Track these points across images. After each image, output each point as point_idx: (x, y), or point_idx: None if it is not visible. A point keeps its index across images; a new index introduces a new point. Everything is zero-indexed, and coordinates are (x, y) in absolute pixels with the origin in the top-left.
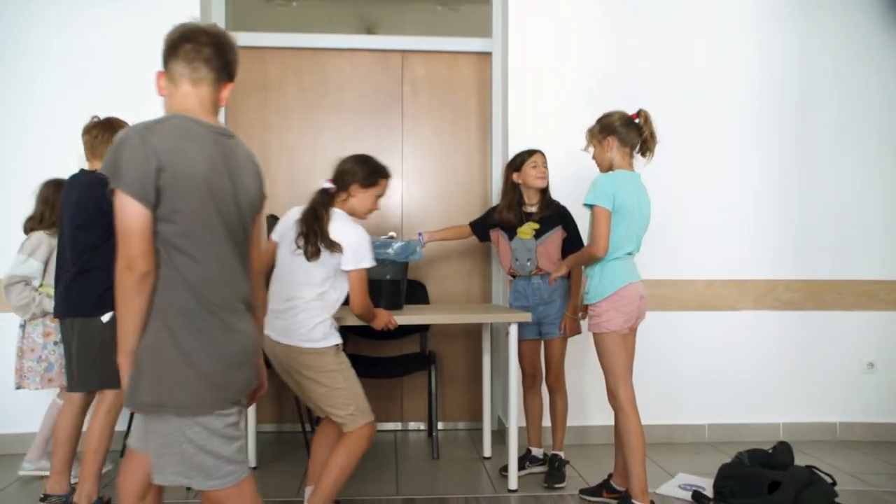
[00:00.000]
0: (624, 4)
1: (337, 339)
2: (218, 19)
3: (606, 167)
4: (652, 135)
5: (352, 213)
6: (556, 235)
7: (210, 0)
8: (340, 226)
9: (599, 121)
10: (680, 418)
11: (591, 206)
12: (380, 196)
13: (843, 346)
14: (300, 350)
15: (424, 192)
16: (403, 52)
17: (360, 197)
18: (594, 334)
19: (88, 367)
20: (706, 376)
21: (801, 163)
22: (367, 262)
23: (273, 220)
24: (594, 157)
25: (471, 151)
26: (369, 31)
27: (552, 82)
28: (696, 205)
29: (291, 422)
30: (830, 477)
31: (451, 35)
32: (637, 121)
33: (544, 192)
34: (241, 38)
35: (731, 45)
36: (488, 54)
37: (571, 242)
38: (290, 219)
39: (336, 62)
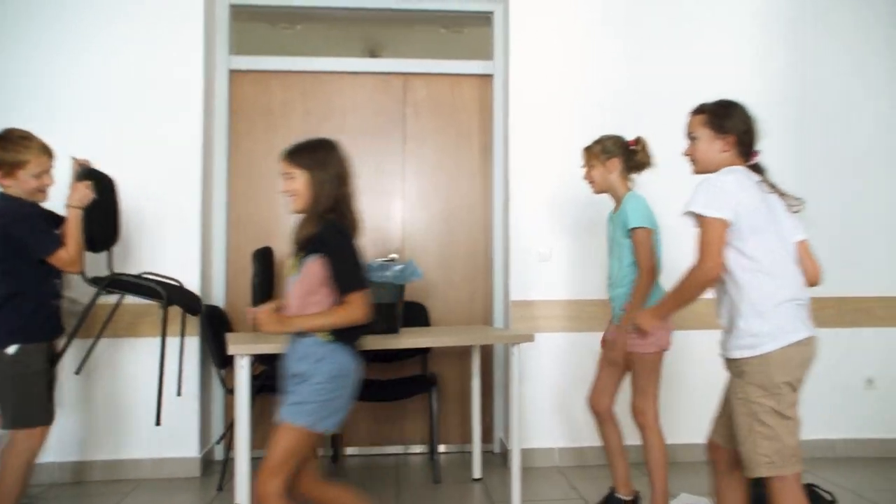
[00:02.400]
0: (625, 26)
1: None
2: (221, 43)
3: (604, 188)
4: (648, 159)
5: None
6: (312, 267)
7: (214, 24)
8: None
9: (599, 143)
10: (681, 437)
11: (633, 230)
12: None
13: (843, 362)
14: None
15: (426, 214)
16: (405, 74)
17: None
18: (640, 354)
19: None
20: (706, 395)
21: (801, 177)
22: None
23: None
24: (591, 178)
25: (473, 173)
26: (373, 53)
27: (553, 104)
28: None
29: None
30: (830, 494)
31: (454, 58)
32: (634, 147)
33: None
34: (246, 62)
35: (737, 64)
36: (490, 76)
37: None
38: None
39: (339, 85)
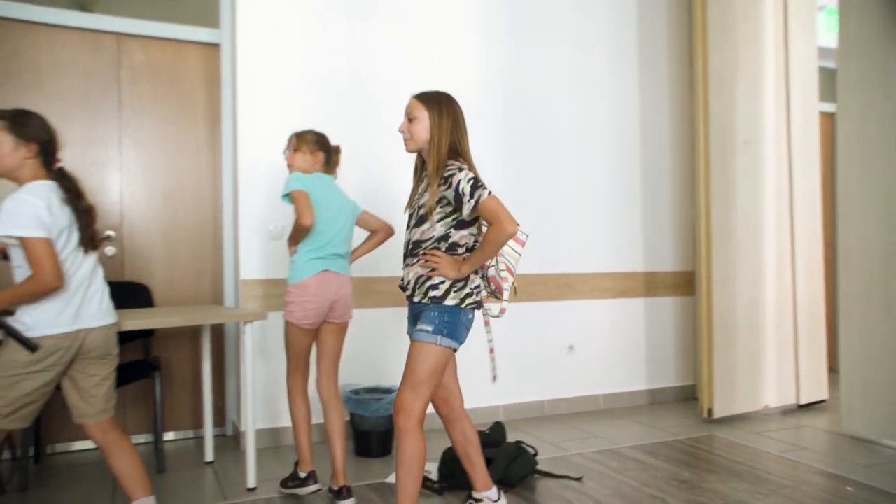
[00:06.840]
0: (359, 8)
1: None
2: None
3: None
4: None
5: None
6: None
7: None
8: None
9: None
10: None
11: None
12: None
13: (549, 331)
14: None
15: (147, 189)
16: (119, 34)
17: None
18: None
19: None
20: None
21: (512, 162)
22: None
23: None
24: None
25: (199, 147)
26: (83, 6)
27: (283, 78)
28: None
29: None
30: (533, 448)
31: (179, 21)
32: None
33: None
34: None
35: (470, 44)
36: (217, 46)
37: None
38: None
39: (33, 37)
